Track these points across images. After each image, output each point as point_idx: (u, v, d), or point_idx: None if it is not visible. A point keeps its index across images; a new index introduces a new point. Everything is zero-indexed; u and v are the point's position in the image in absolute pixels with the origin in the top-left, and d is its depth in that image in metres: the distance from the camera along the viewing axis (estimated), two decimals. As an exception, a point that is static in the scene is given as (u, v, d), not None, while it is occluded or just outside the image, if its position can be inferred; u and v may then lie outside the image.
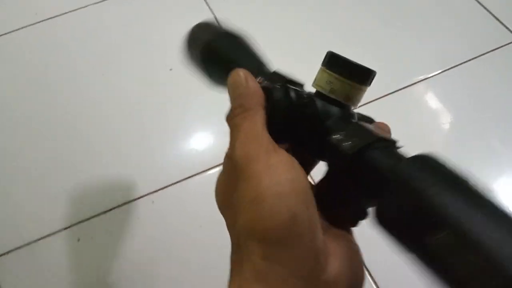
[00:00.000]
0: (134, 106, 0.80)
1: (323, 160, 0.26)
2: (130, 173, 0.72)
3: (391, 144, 0.22)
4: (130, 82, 0.83)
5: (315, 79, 0.26)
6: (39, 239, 0.66)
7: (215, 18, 0.89)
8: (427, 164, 0.19)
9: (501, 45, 0.85)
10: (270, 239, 0.18)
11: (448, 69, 0.83)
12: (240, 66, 0.25)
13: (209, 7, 0.92)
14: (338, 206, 0.24)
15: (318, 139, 0.24)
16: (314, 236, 0.18)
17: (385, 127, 0.25)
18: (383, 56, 0.85)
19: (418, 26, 0.90)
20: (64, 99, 0.81)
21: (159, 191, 0.69)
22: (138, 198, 0.69)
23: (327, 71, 0.25)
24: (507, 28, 0.88)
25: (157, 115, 0.78)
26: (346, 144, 0.21)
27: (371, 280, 0.61)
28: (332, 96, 0.24)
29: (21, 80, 0.84)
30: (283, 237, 0.17)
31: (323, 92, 0.25)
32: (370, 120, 0.28)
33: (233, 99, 0.23)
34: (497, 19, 0.89)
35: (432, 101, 0.80)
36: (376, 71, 0.25)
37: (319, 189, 0.24)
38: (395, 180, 0.19)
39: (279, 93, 0.24)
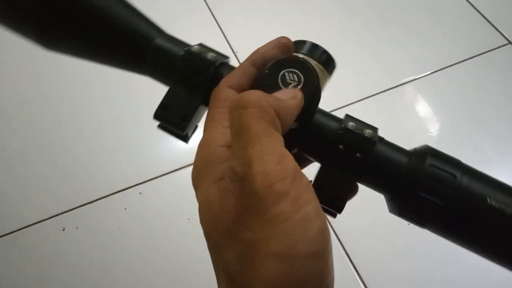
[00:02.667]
0: (126, 100, 0.79)
1: None
2: (118, 164, 0.71)
3: None
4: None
5: None
6: (23, 228, 0.65)
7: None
8: None
9: (492, 48, 0.86)
10: None
11: (438, 70, 0.83)
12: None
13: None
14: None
15: None
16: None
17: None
18: (376, 56, 0.85)
19: (412, 28, 0.90)
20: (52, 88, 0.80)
21: (147, 182, 0.69)
22: (126, 188, 0.68)
23: None
24: (498, 31, 0.89)
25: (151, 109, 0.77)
26: None
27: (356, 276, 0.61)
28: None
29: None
30: None
31: None
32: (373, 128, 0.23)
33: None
34: (490, 22, 0.90)
35: (421, 101, 0.80)
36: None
37: None
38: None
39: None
